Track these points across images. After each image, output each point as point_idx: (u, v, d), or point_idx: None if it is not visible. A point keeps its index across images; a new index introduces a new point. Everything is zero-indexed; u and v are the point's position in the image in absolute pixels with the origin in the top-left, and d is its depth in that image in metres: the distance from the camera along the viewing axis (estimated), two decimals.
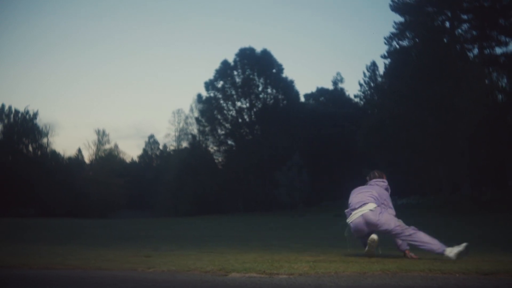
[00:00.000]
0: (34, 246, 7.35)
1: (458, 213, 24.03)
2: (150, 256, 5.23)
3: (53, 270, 4.01)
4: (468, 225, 16.25)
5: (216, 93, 46.77)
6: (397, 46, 38.39)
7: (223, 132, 47.16)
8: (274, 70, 46.47)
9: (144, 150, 77.82)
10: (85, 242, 9.04)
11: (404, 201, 31.27)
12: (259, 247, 7.42)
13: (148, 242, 8.99)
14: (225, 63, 46.51)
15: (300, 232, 14.18)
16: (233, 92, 46.50)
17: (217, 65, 56.78)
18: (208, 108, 46.67)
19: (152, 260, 4.67)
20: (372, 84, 51.84)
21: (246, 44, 70.74)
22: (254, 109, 46.31)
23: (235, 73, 46.52)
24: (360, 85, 53.02)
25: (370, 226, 5.15)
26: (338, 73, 68.16)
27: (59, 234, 12.79)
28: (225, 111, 46.77)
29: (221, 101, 46.64)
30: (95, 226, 20.39)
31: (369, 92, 52.00)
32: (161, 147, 75.98)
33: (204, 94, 47.76)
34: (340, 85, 57.66)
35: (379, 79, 51.08)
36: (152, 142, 77.32)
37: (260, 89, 46.70)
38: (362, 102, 52.54)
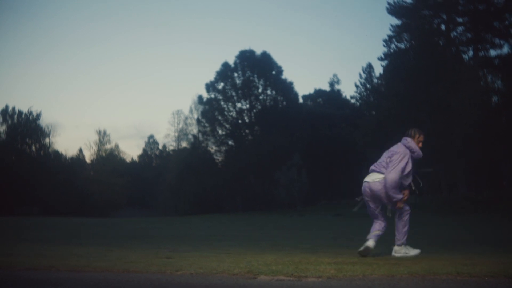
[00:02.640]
0: (53, 246, 7.29)
1: (455, 213, 24.06)
2: (171, 257, 5.16)
3: (82, 272, 3.98)
4: (468, 225, 16.35)
5: (216, 94, 47.40)
6: (396, 48, 38.93)
7: (223, 132, 47.78)
8: (273, 72, 47.09)
9: (144, 150, 78.52)
10: (99, 242, 8.97)
11: None
12: (270, 247, 7.42)
13: (160, 242, 8.95)
14: (225, 65, 47.12)
15: (304, 232, 14.23)
16: (234, 94, 47.11)
17: (216, 66, 57.55)
18: (209, 109, 47.30)
19: (175, 262, 4.63)
20: (368, 86, 52.38)
21: (245, 46, 71.40)
22: (254, 110, 46.94)
23: (236, 75, 47.14)
24: (356, 86, 53.56)
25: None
26: (334, 75, 69.46)
27: (70, 234, 12.80)
28: (225, 112, 47.40)
29: (222, 102, 47.26)
30: (101, 225, 20.45)
31: (365, 93, 52.54)
32: (160, 147, 76.81)
33: (205, 95, 48.52)
34: (337, 87, 58.25)
35: (375, 80, 51.74)
36: (151, 142, 77.99)
37: (260, 90, 47.35)
38: (358, 103, 53.07)
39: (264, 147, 42.49)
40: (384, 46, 39.34)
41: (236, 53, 47.74)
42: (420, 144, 5.79)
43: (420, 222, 18.97)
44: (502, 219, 18.99)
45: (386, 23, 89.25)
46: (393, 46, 38.85)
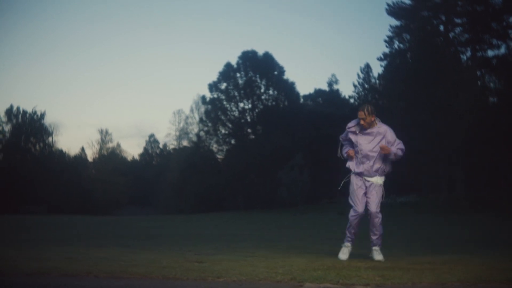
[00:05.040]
0: (74, 248, 7.06)
1: (455, 212, 24.28)
2: (201, 261, 4.94)
3: (124, 279, 3.75)
4: (471, 225, 16.36)
5: (219, 94, 47.74)
6: (397, 48, 39.38)
7: (226, 132, 48.21)
8: (275, 72, 47.38)
9: (145, 149, 78.94)
10: (117, 242, 8.78)
11: (403, 199, 32.07)
12: (291, 249, 7.33)
13: (177, 243, 8.85)
14: (228, 65, 47.47)
15: (313, 231, 14.45)
16: (236, 94, 47.49)
17: (217, 66, 58.08)
18: (212, 109, 47.75)
19: (209, 267, 4.43)
20: (366, 86, 52.88)
21: (245, 47, 72.10)
22: (256, 110, 47.35)
23: (238, 75, 47.47)
24: (355, 86, 53.93)
25: None
26: (333, 75, 69.99)
27: (83, 233, 12.86)
28: (228, 112, 47.77)
29: (225, 102, 47.67)
30: (107, 224, 20.75)
31: (363, 93, 53.01)
32: (161, 146, 77.46)
33: (208, 95, 48.91)
34: (335, 87, 58.46)
35: (373, 80, 52.32)
36: (152, 141, 78.48)
37: (262, 90, 47.64)
38: (356, 103, 53.42)
39: (266, 147, 42.89)
40: (386, 46, 39.74)
41: (237, 53, 48.49)
42: (361, 121, 5.71)
43: (422, 222, 19.49)
44: (502, 218, 19.18)
45: (383, 24, 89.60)
46: (395, 46, 39.31)
